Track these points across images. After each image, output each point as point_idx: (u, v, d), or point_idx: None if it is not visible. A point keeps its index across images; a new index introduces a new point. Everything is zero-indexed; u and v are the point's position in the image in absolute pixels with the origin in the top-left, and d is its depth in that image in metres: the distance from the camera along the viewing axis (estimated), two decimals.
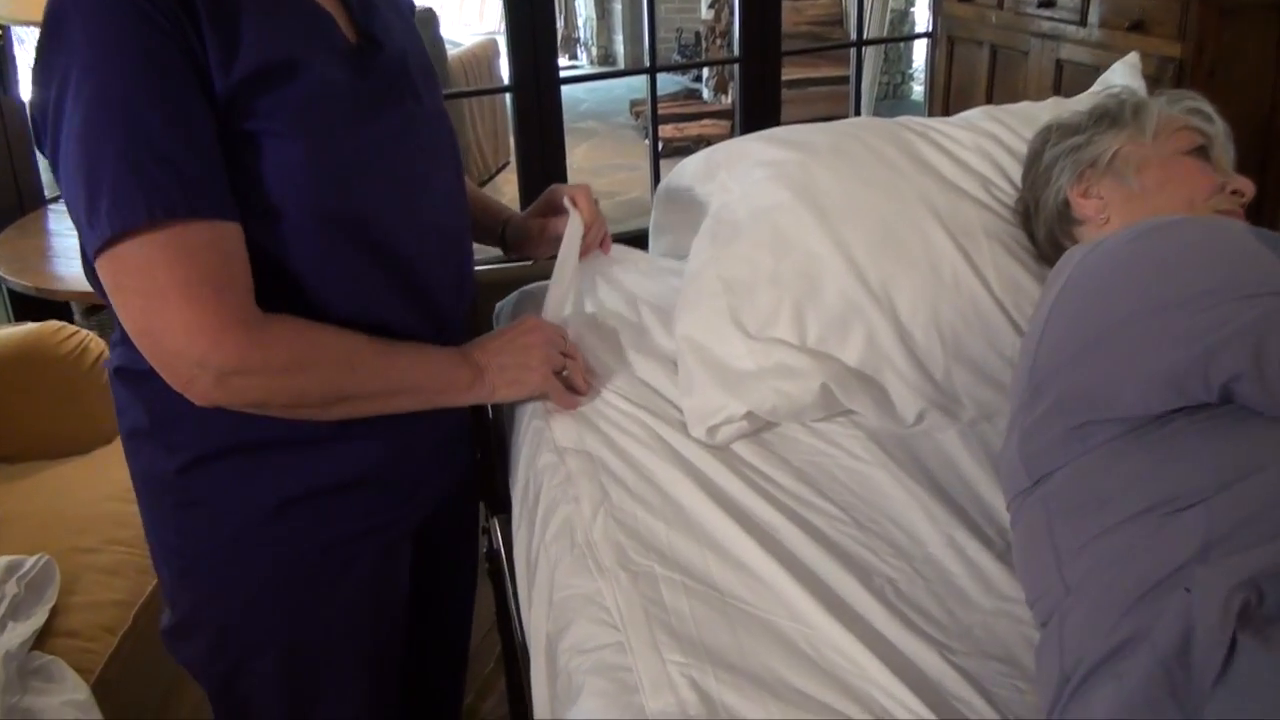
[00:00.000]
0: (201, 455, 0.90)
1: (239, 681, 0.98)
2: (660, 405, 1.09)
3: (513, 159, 3.86)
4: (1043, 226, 1.17)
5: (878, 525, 0.99)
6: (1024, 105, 1.42)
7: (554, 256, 1.14)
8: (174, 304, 0.78)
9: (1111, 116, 1.14)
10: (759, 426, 1.08)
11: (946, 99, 2.80)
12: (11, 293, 2.15)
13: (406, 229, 0.92)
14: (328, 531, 0.95)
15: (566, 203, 1.14)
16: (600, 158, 5.58)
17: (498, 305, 1.31)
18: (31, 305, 2.12)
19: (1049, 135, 1.19)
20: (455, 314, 1.05)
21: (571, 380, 1.06)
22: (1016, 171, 1.26)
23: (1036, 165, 1.19)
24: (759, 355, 1.06)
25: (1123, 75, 1.47)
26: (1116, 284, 0.88)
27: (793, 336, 1.07)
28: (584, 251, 1.16)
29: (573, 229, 1.13)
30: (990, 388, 1.11)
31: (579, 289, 1.17)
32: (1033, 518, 0.88)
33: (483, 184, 4.80)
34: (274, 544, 0.93)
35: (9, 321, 2.17)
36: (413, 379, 0.93)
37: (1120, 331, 0.84)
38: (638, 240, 1.38)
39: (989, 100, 2.59)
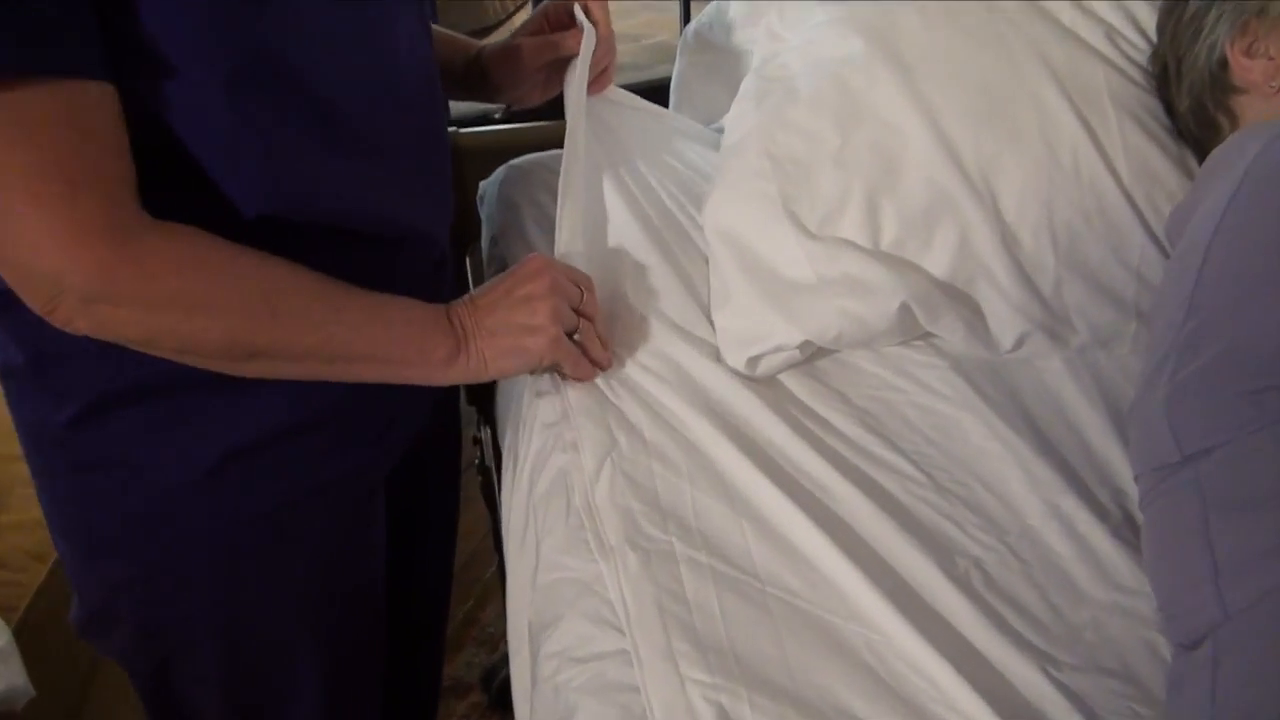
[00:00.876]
0: (99, 402, 0.68)
1: (172, 680, 0.78)
2: (685, 321, 0.85)
3: None
4: (1186, 95, 0.89)
5: (962, 488, 0.77)
6: None
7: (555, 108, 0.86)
8: (16, 201, 0.55)
9: None
10: (812, 353, 0.84)
11: None
12: None
13: (358, 91, 0.67)
14: (276, 490, 0.75)
15: (577, 11, 0.85)
16: None
17: (481, 186, 1.05)
18: None
19: None
20: (434, 240, 0.80)
21: (585, 346, 0.79)
22: (1150, 18, 0.97)
23: (1180, 11, 0.91)
24: (820, 261, 0.81)
25: None
26: None
27: (863, 237, 0.82)
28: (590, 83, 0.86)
29: (587, 50, 0.83)
30: (1109, 306, 0.86)
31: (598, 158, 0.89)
32: (1179, 504, 0.66)
33: (494, 28, 4.41)
34: (209, 512, 0.73)
35: None
36: (363, 341, 0.69)
37: None
38: (657, 95, 1.08)
39: None
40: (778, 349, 0.80)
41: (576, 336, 0.77)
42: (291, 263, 0.65)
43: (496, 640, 1.72)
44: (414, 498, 0.92)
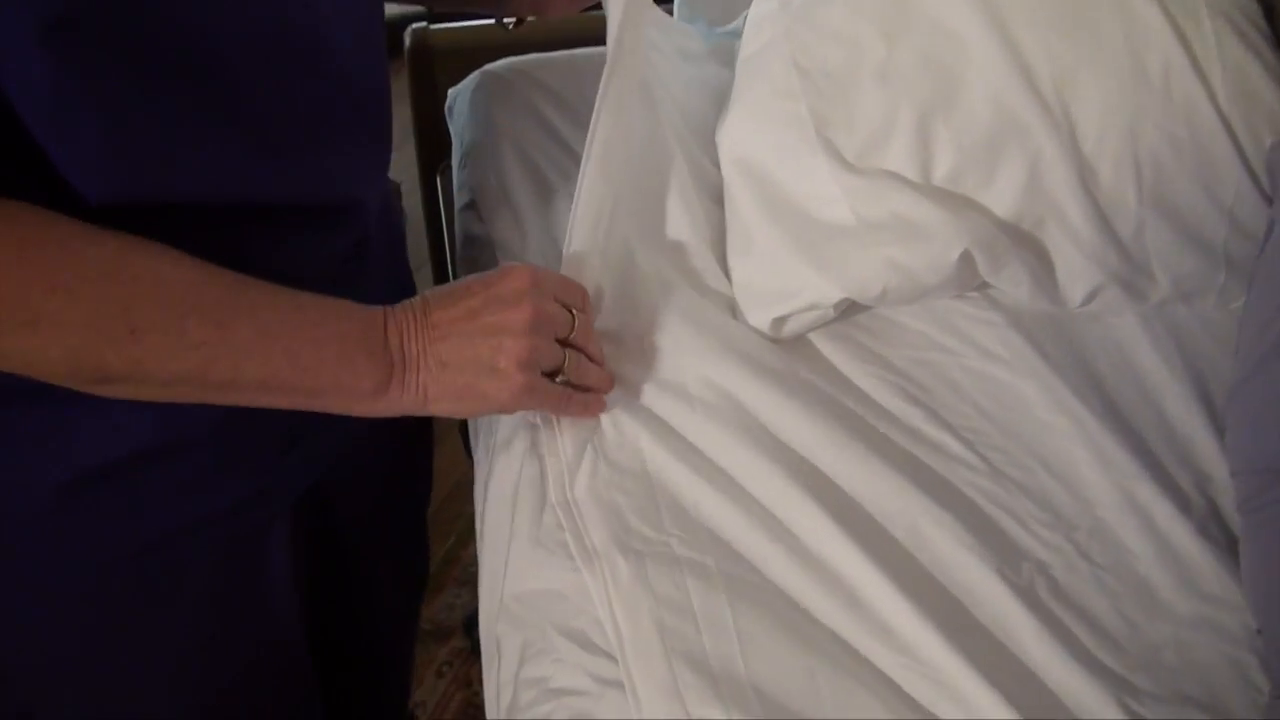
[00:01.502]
0: None
1: None
2: (686, 262, 0.71)
3: None
4: None
5: (1022, 471, 0.65)
6: None
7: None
8: None
9: None
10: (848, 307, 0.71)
11: None
12: None
13: (245, 39, 0.49)
14: (137, 526, 0.59)
15: None
16: None
17: (450, 94, 0.89)
18: None
19: None
20: (351, 220, 0.62)
21: (575, 381, 0.62)
22: None
23: None
24: (861, 199, 0.67)
25: None
26: None
27: (912, 169, 0.68)
28: None
29: None
30: (1196, 252, 0.73)
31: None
32: None
33: None
34: (53, 551, 0.57)
35: None
36: (255, 367, 0.52)
37: None
38: None
39: None
40: (810, 308, 0.67)
41: (561, 378, 0.61)
42: (166, 251, 0.49)
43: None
44: (353, 523, 0.77)
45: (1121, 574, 0.62)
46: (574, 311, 0.60)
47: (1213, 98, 0.72)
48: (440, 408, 0.57)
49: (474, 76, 0.86)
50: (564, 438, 0.62)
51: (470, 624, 1.55)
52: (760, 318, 0.68)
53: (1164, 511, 0.64)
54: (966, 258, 0.67)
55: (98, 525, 0.57)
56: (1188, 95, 0.71)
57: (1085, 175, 0.69)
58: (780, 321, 0.68)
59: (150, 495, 0.58)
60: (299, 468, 0.65)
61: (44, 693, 0.62)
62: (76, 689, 0.62)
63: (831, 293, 0.67)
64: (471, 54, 0.91)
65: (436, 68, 0.94)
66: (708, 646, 0.55)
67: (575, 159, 0.80)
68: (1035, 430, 0.67)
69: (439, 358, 0.56)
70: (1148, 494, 0.64)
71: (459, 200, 0.85)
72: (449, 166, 0.94)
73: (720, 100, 0.77)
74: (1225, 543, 0.63)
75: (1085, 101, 0.69)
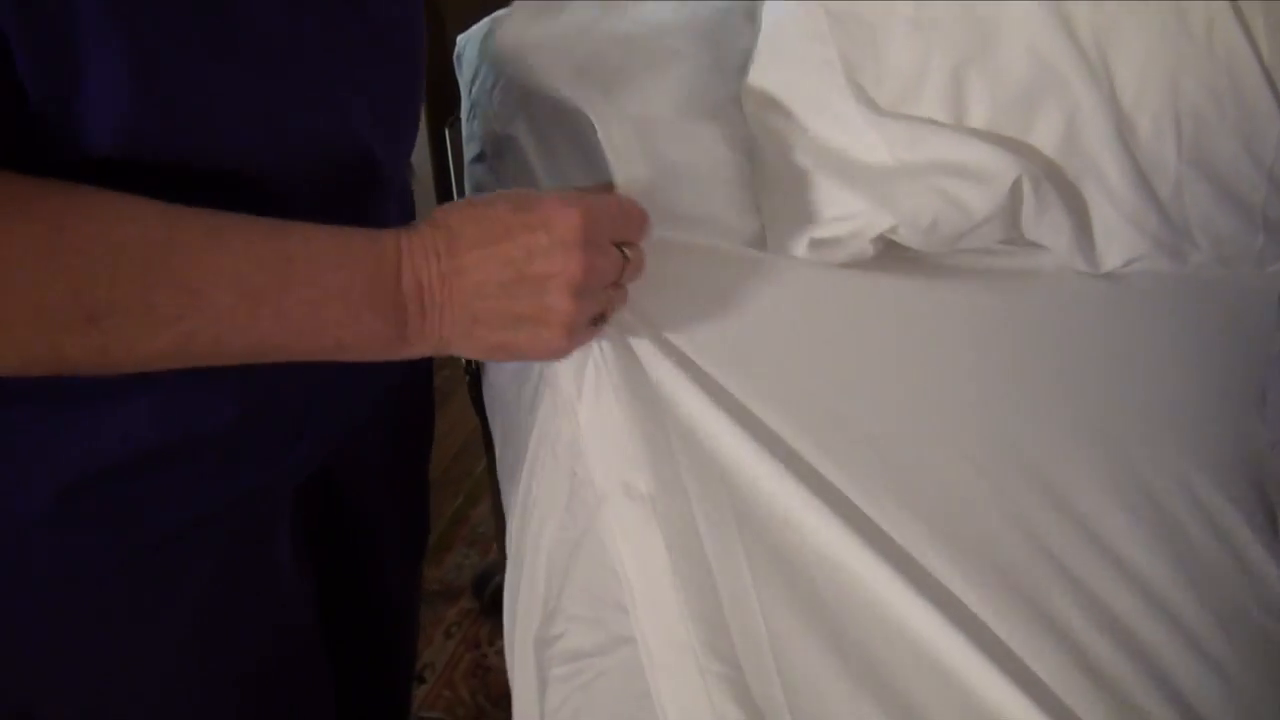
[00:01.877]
0: None
1: None
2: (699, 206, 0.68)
3: None
4: None
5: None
6: None
7: None
8: None
9: None
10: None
11: None
12: None
13: None
14: (140, 525, 0.55)
15: None
16: None
17: (459, 41, 0.86)
18: None
19: None
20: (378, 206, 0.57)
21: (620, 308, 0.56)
22: None
23: None
24: (901, 146, 0.63)
25: None
26: None
27: (945, 118, 0.65)
28: None
29: None
30: (1235, 213, 0.70)
31: None
32: None
33: None
34: (55, 551, 0.54)
35: None
36: (241, 337, 0.44)
37: None
38: None
39: None
40: (853, 234, 0.63)
41: (600, 322, 0.55)
42: (117, 203, 0.41)
43: (488, 541, 1.62)
44: (356, 491, 0.73)
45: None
46: (626, 251, 0.52)
47: (1256, 50, 0.68)
48: (461, 351, 0.51)
49: (484, 23, 0.82)
50: (562, 376, 0.58)
51: (479, 584, 1.55)
52: (796, 242, 0.64)
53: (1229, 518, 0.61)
54: (1016, 190, 0.63)
55: (101, 526, 0.53)
56: (1230, 47, 0.68)
57: (1124, 131, 0.66)
58: (819, 244, 0.64)
59: (155, 494, 0.54)
60: (305, 456, 0.62)
61: (46, 694, 0.59)
62: (79, 690, 0.60)
63: (879, 219, 0.63)
64: (481, 1, 0.88)
65: (446, 16, 0.91)
66: (722, 593, 0.53)
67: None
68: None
69: (469, 312, 0.48)
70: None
71: (468, 152, 0.82)
72: (458, 119, 0.91)
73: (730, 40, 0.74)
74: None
75: (1125, 52, 0.66)
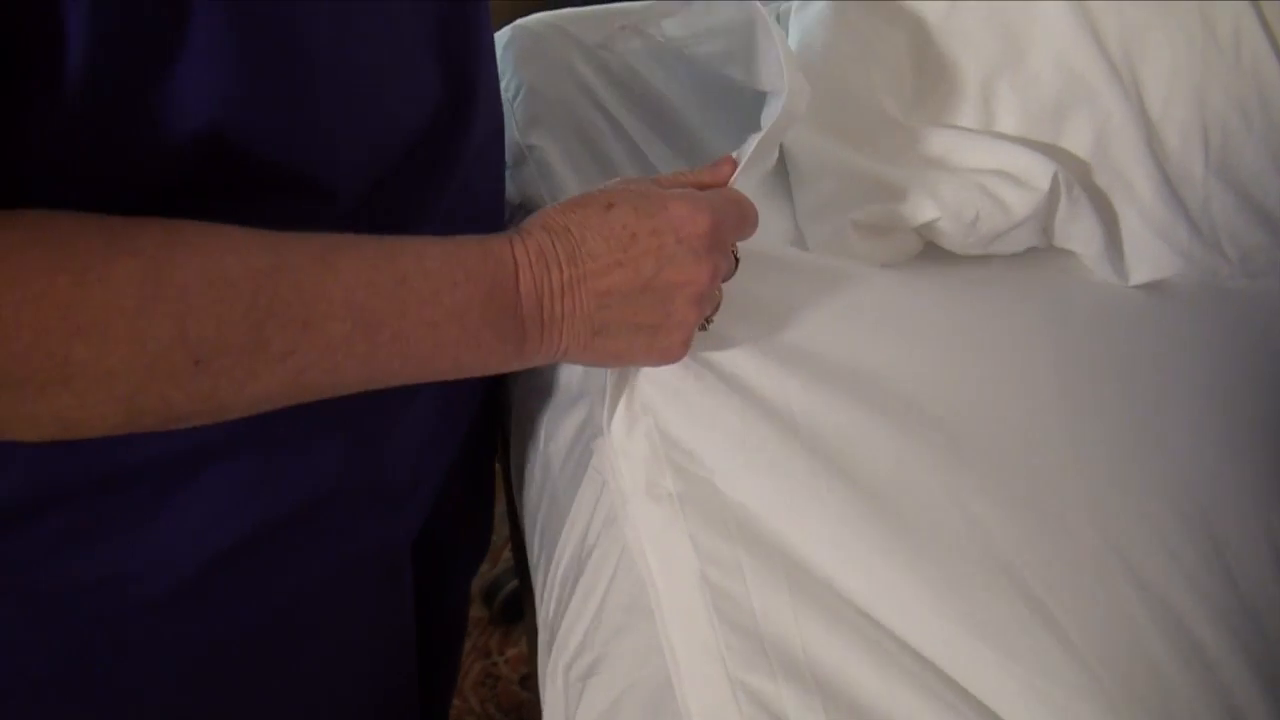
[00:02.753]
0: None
1: None
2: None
3: None
4: None
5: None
6: None
7: None
8: None
9: None
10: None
11: None
12: None
13: None
14: (279, 586, 0.53)
15: None
16: None
17: None
18: None
19: None
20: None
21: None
22: None
23: None
24: (937, 153, 0.63)
25: None
26: None
27: (975, 128, 0.65)
28: None
29: None
30: (1260, 226, 0.70)
31: None
32: None
33: None
34: (178, 638, 0.51)
35: None
36: (364, 365, 0.41)
37: None
38: None
39: None
40: (893, 222, 0.62)
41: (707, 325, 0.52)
42: (217, 236, 0.38)
43: (498, 550, 1.61)
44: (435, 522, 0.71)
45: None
46: (737, 255, 0.50)
47: None
48: (576, 359, 0.49)
49: (504, 31, 0.82)
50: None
51: (489, 593, 1.54)
52: (836, 228, 0.62)
53: None
54: (1055, 189, 0.62)
55: (229, 601, 0.50)
56: (1257, 58, 0.68)
57: (1153, 143, 0.66)
58: (861, 229, 0.62)
59: (280, 567, 0.52)
60: (416, 510, 0.60)
61: None
62: None
63: (922, 208, 0.62)
64: (499, 9, 0.87)
65: None
66: (754, 602, 0.52)
67: (609, 117, 0.77)
68: None
69: (591, 324, 0.45)
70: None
71: None
72: None
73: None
74: None
75: (1154, 62, 0.66)
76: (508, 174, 0.77)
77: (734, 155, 0.53)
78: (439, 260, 0.42)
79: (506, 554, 1.53)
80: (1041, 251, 0.68)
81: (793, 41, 0.69)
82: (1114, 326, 0.64)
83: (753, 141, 0.53)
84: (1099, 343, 0.62)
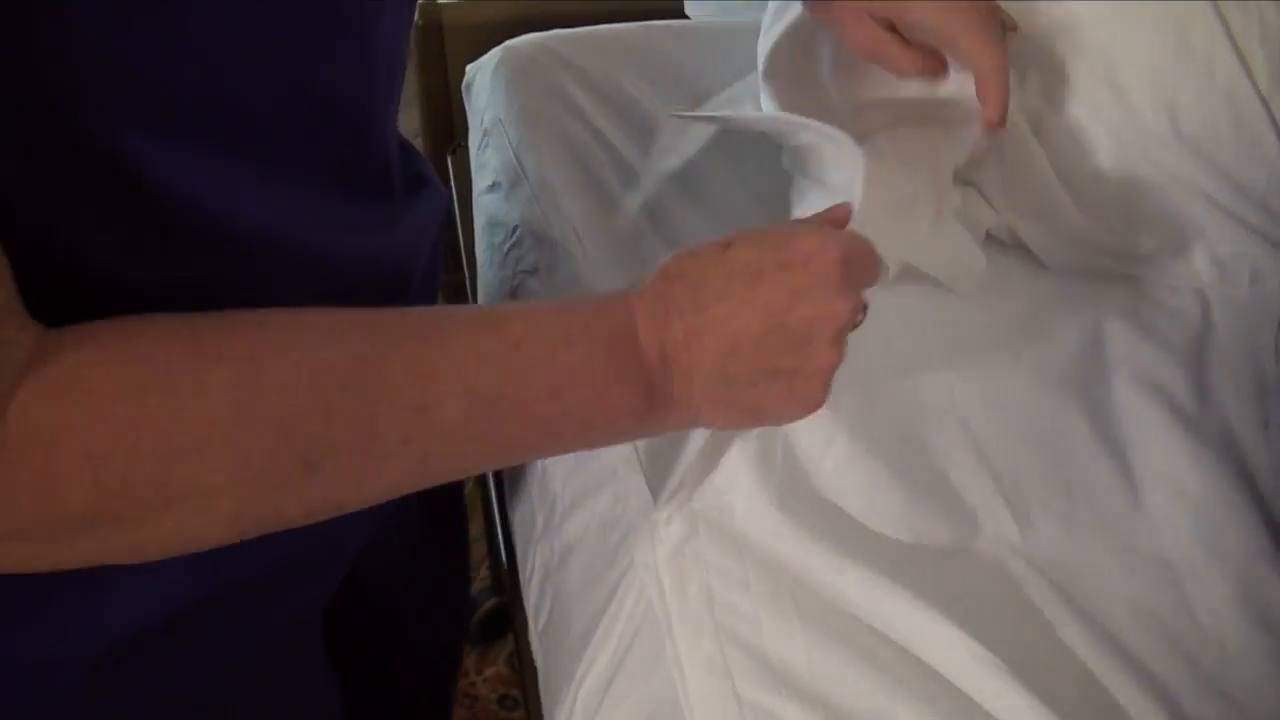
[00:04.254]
0: None
1: None
2: None
3: None
4: None
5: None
6: None
7: None
8: None
9: None
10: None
11: None
12: None
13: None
14: (187, 675, 0.49)
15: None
16: None
17: (469, 70, 0.86)
18: None
19: None
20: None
21: None
22: None
23: None
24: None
25: None
26: None
27: None
28: None
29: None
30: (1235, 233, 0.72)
31: None
32: None
33: None
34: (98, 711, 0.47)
35: None
36: (486, 445, 0.39)
37: None
38: None
39: None
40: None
41: None
42: (311, 323, 0.35)
43: (475, 567, 1.60)
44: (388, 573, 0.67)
45: None
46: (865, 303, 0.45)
47: (1251, 78, 0.71)
48: (708, 422, 0.44)
49: (495, 52, 0.83)
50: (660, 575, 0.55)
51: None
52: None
53: None
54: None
55: (136, 686, 0.47)
56: (1226, 73, 0.70)
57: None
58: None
59: (195, 648, 0.48)
60: (341, 571, 0.57)
61: None
62: None
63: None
64: (485, 32, 0.88)
65: (447, 46, 0.91)
66: (764, 625, 0.52)
67: (602, 139, 0.78)
68: None
69: (722, 375, 0.41)
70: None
71: (480, 181, 0.82)
72: (460, 146, 0.91)
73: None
74: None
75: (1128, 62, 0.68)
76: (504, 195, 0.78)
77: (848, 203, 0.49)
78: (548, 319, 0.39)
79: (484, 572, 1.52)
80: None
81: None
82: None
83: (858, 186, 0.51)
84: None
